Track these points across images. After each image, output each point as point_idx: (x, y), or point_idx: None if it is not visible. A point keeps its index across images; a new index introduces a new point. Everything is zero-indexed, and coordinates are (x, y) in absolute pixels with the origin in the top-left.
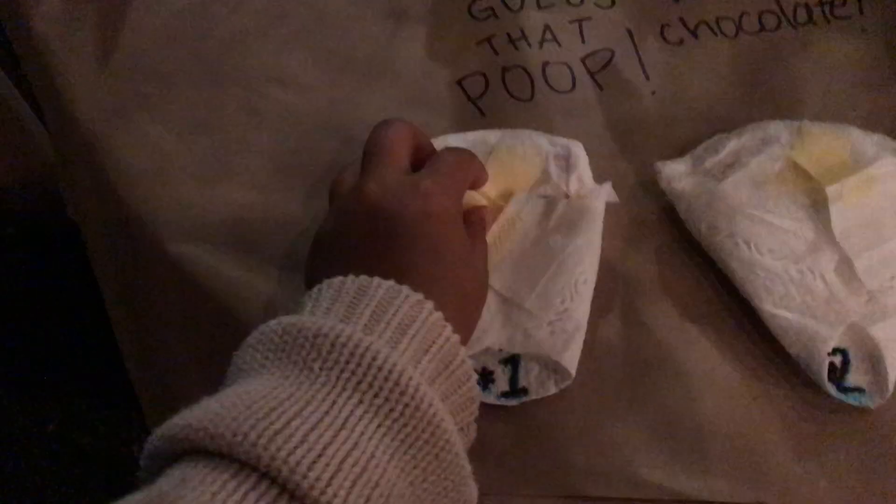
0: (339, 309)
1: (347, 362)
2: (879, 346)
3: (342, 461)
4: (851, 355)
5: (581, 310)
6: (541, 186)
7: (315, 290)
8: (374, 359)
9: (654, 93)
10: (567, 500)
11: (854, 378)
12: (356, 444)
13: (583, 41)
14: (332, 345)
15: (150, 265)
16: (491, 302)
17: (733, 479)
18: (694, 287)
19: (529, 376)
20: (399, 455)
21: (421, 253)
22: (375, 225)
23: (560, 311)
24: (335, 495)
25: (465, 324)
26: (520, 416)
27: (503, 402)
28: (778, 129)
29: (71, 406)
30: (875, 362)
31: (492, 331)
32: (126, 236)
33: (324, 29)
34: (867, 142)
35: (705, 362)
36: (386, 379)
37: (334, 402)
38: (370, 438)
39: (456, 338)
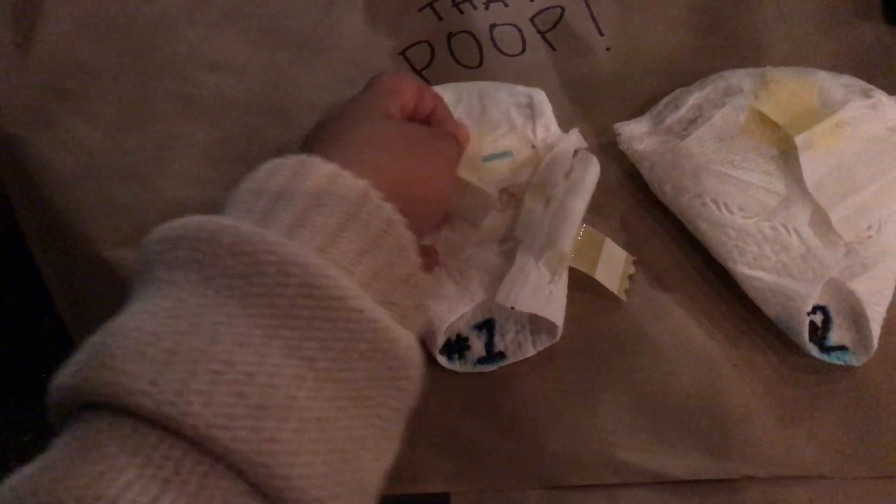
0: (264, 198)
1: (277, 284)
2: (861, 301)
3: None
4: (832, 312)
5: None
6: (505, 137)
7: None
8: (308, 284)
9: (608, 49)
10: (545, 490)
11: (837, 336)
12: (278, 378)
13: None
14: (257, 262)
15: (88, 271)
16: (489, 262)
17: (718, 455)
18: (663, 253)
19: (506, 339)
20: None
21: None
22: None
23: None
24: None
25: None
26: (491, 408)
27: (480, 368)
28: (740, 78)
29: (46, 416)
30: (857, 318)
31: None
32: (60, 241)
33: (254, 7)
34: (835, 85)
35: (680, 333)
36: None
37: (252, 334)
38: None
39: (388, 209)
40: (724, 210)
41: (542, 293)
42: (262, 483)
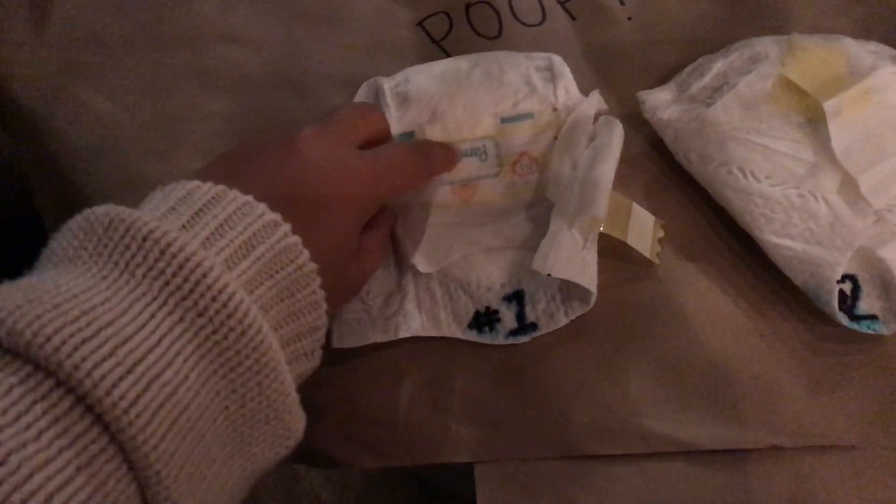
0: (184, 214)
1: (174, 275)
2: (891, 269)
3: (151, 381)
4: (861, 281)
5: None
6: (526, 100)
7: (168, 187)
8: (204, 275)
9: (630, 18)
10: (570, 460)
11: (866, 305)
12: (169, 363)
13: None
14: (162, 252)
15: None
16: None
17: (745, 425)
18: (689, 222)
19: (537, 310)
20: (216, 379)
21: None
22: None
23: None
24: (138, 415)
25: (330, 268)
26: (515, 379)
27: (512, 340)
28: (766, 45)
29: None
30: (887, 286)
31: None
32: None
33: None
34: (862, 51)
35: (707, 302)
36: (213, 299)
37: (152, 316)
38: (186, 360)
39: (310, 266)
40: (750, 178)
41: (576, 260)
42: (104, 411)
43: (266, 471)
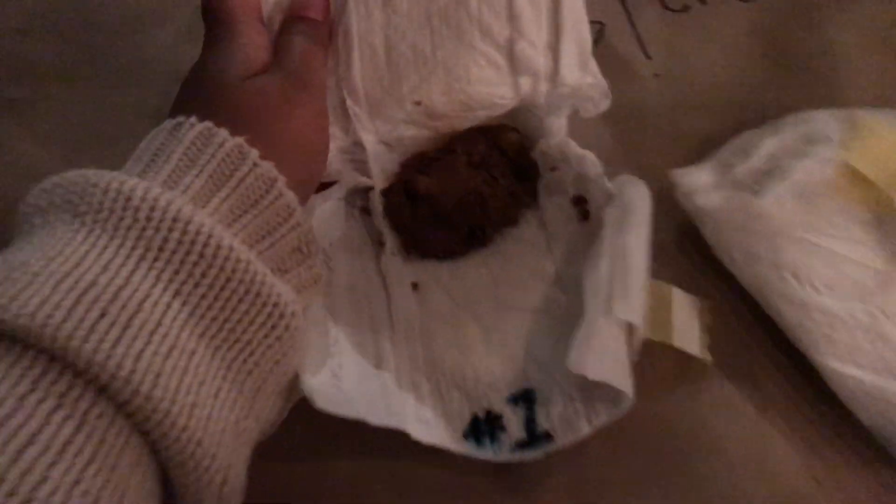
0: (143, 159)
1: (157, 230)
2: None
3: (131, 317)
4: None
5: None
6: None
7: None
8: (175, 220)
9: (657, 75)
10: None
11: None
12: (144, 298)
13: None
14: (128, 200)
15: None
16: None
17: None
18: (730, 334)
19: (552, 415)
20: (187, 289)
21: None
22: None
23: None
24: (124, 357)
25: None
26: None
27: (520, 456)
28: (825, 122)
29: None
30: None
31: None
32: None
33: None
34: None
35: (752, 435)
36: (171, 229)
37: (113, 256)
38: (146, 282)
39: (266, 166)
40: (808, 287)
41: (609, 355)
42: (125, 401)
43: (277, 380)
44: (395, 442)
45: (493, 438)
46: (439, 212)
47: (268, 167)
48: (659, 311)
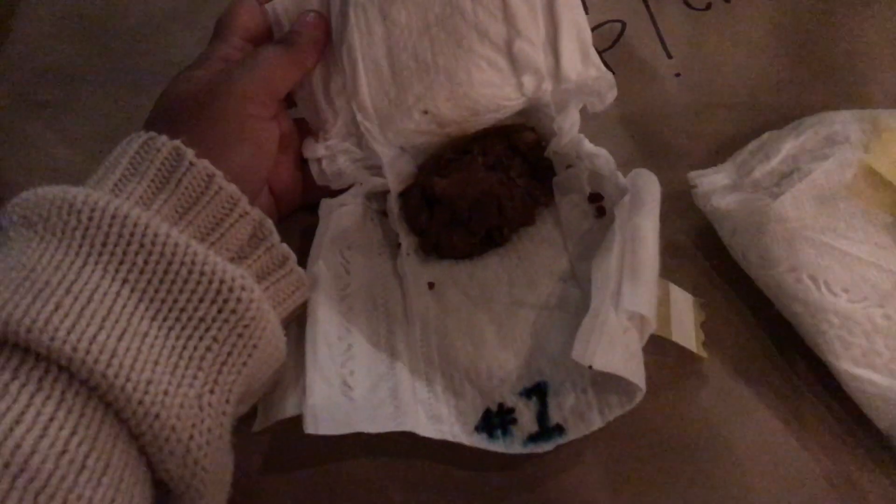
0: (98, 173)
1: (99, 227)
2: None
3: (84, 306)
4: None
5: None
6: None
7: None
8: (114, 216)
9: (678, 75)
10: None
11: None
12: (94, 289)
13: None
14: (71, 205)
15: None
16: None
17: None
18: (745, 334)
19: (564, 407)
20: (158, 319)
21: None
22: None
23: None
24: (79, 340)
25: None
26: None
27: (532, 448)
28: (846, 122)
29: None
30: None
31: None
32: None
33: None
34: None
35: (764, 438)
36: (111, 223)
37: (75, 261)
38: (91, 272)
39: (202, 164)
40: (824, 290)
41: (618, 346)
42: (85, 380)
43: (247, 353)
44: (407, 440)
45: (505, 431)
46: (456, 214)
47: (204, 164)
48: (659, 306)
